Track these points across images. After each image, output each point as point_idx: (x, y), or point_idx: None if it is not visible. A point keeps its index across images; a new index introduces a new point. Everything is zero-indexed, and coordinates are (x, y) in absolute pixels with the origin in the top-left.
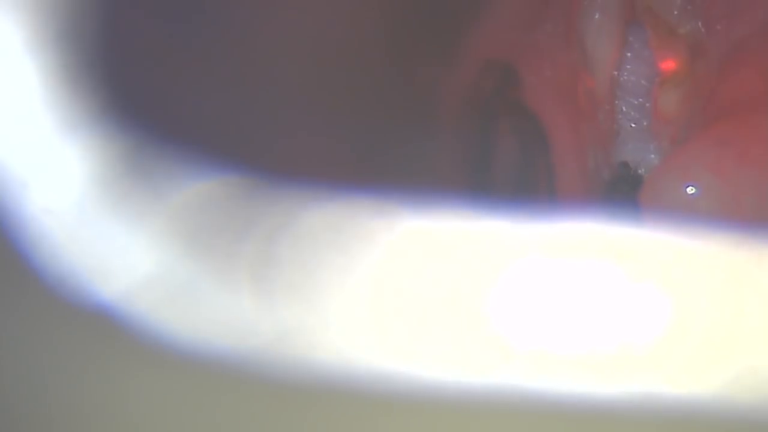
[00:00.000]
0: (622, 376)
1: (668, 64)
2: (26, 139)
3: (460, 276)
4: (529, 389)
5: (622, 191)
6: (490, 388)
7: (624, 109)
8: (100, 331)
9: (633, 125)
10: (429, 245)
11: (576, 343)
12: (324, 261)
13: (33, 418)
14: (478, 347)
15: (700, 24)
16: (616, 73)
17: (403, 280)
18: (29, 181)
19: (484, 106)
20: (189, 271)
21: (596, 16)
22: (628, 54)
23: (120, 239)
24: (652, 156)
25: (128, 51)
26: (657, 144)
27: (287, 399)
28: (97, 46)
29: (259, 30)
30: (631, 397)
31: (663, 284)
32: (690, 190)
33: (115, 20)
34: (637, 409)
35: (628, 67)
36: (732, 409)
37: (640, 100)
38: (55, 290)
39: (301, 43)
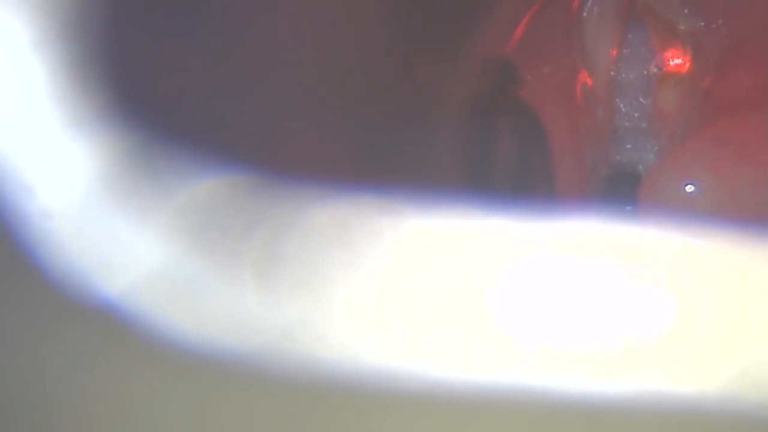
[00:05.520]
0: (626, 374)
1: (667, 62)
2: (32, 135)
3: (463, 274)
4: (531, 387)
5: (620, 189)
6: (493, 386)
7: (623, 107)
8: (104, 328)
9: (631, 123)
10: (432, 243)
11: (579, 341)
12: (329, 258)
13: (38, 416)
14: (482, 344)
15: (699, 22)
16: (614, 71)
17: (406, 278)
18: (34, 178)
19: (484, 104)
20: (194, 268)
21: (595, 14)
22: (627, 52)
23: (125, 236)
24: (651, 154)
25: (134, 48)
26: (655, 142)
27: (292, 396)
28: (102, 44)
29: (265, 28)
30: (635, 395)
31: (663, 282)
32: (688, 188)
33: (121, 18)
34: (642, 407)
35: (627, 65)
36: (736, 406)
37: (639, 98)
38: (60, 287)
39: (305, 43)
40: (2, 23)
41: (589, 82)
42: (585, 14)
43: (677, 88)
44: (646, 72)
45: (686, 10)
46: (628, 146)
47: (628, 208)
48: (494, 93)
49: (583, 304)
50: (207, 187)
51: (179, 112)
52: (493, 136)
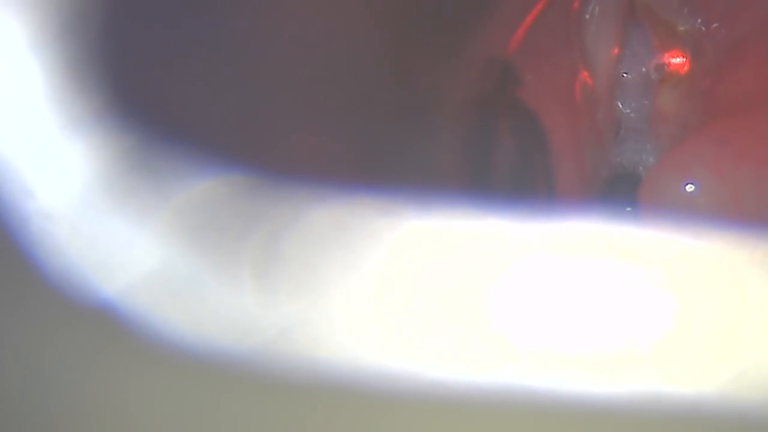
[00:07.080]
0: (625, 374)
1: (667, 63)
2: (30, 136)
3: (462, 274)
4: (531, 387)
5: (620, 190)
6: (492, 386)
7: (622, 108)
8: (103, 328)
9: (632, 124)
10: (430, 243)
11: (578, 341)
12: (327, 258)
13: (36, 416)
14: (481, 345)
15: (699, 23)
16: (615, 72)
17: (405, 279)
18: (33, 179)
19: (484, 104)
20: (192, 268)
21: (595, 15)
22: (627, 53)
23: (123, 236)
24: (651, 155)
25: (132, 49)
26: (655, 143)
27: (290, 396)
28: (101, 43)
29: (264, 29)
30: (634, 396)
31: (663, 282)
32: (689, 188)
33: (119, 17)
34: (641, 408)
35: (627, 66)
36: (735, 407)
37: (639, 99)
38: (58, 287)
39: (305, 43)
40: (1, 23)
41: (590, 83)
42: (586, 15)
43: (677, 88)
44: (646, 73)
45: (686, 11)
46: (628, 147)
47: (628, 209)
48: (494, 93)
49: (582, 304)
50: (205, 188)
51: (177, 112)
52: (493, 136)
